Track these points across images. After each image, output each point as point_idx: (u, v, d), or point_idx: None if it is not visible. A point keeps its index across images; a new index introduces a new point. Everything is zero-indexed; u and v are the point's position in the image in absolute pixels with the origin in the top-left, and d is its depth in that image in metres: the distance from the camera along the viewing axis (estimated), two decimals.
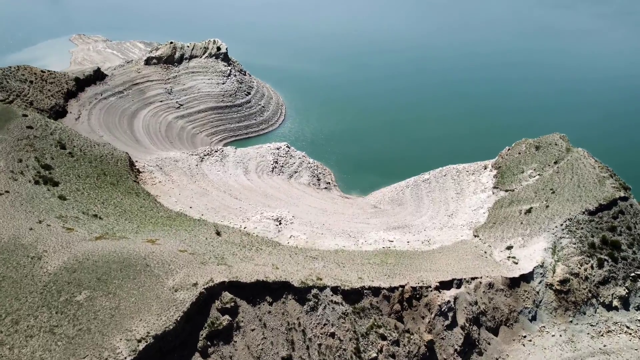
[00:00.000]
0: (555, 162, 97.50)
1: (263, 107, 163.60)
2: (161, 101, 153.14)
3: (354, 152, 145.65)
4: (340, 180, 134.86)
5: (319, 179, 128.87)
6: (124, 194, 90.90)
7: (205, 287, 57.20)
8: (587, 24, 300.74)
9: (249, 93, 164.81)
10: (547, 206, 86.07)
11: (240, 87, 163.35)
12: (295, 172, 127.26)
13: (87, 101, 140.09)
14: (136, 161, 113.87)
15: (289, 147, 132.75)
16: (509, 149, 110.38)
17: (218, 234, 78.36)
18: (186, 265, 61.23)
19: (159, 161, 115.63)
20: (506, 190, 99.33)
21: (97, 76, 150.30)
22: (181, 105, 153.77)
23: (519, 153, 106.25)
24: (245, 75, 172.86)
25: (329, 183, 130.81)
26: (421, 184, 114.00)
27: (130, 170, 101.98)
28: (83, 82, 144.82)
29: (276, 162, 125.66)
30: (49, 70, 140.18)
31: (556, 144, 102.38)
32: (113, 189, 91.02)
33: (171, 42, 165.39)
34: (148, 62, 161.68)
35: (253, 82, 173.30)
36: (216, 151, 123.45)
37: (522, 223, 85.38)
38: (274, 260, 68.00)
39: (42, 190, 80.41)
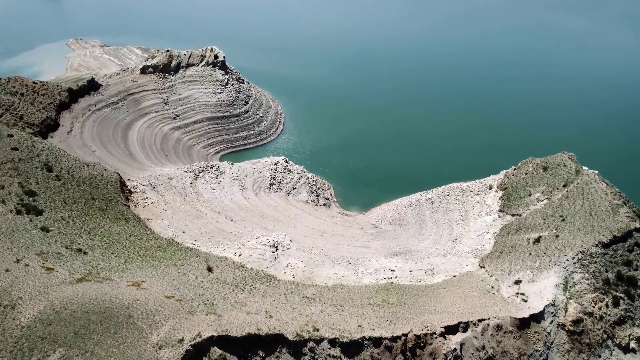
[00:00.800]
0: (564, 185, 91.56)
1: (261, 117, 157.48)
2: (157, 112, 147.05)
3: (354, 165, 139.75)
4: (340, 196, 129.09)
5: (317, 195, 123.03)
6: (113, 221, 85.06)
7: (192, 343, 51.61)
8: (590, 27, 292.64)
9: (247, 102, 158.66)
10: (557, 236, 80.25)
11: (238, 97, 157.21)
12: (294, 188, 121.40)
13: (80, 113, 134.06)
14: (128, 179, 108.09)
15: (287, 162, 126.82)
16: (515, 169, 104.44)
17: (209, 269, 72.62)
18: (172, 316, 55.54)
19: (152, 179, 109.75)
20: (513, 215, 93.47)
21: (91, 86, 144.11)
22: (177, 115, 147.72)
23: (526, 174, 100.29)
24: (243, 83, 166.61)
25: (328, 199, 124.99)
26: (424, 204, 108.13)
27: (121, 192, 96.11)
28: (76, 93, 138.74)
29: (274, 179, 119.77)
30: (41, 82, 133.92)
31: (565, 165, 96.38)
32: (101, 216, 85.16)
33: (167, 50, 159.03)
34: (144, 71, 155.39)
35: (251, 90, 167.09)
36: (212, 167, 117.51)
37: (530, 254, 79.55)
38: (267, 304, 62.27)
39: (24, 221, 74.59)
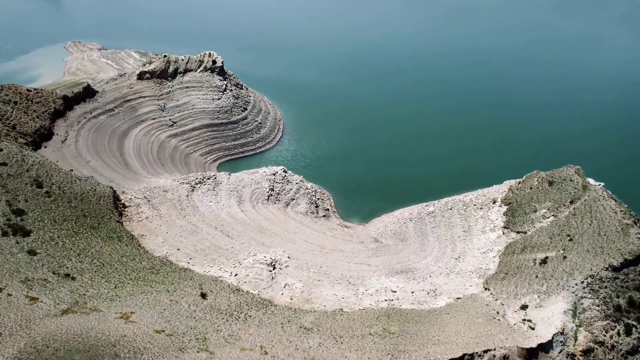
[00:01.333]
0: (571, 202, 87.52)
1: (260, 123, 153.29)
2: (154, 119, 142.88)
3: (355, 173, 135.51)
4: (340, 206, 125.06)
5: (317, 206, 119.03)
6: (104, 240, 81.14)
7: None
8: (593, 30, 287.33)
9: (245, 109, 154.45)
10: (565, 257, 76.29)
11: (236, 103, 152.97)
12: (292, 199, 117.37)
13: (75, 121, 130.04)
14: (122, 192, 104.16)
15: (286, 172, 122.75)
16: (519, 182, 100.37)
17: (203, 295, 68.72)
18: (162, 354, 51.65)
19: (147, 191, 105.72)
20: (518, 232, 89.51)
21: (87, 93, 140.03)
22: (174, 122, 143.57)
23: (531, 188, 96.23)
24: (241, 89, 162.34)
25: (328, 210, 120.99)
26: (425, 218, 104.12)
27: (114, 207, 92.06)
28: (72, 100, 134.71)
29: (272, 190, 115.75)
30: (35, 89, 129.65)
31: (571, 180, 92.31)
32: (93, 235, 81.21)
33: (165, 56, 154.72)
34: (141, 76, 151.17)
35: (250, 96, 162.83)
36: (209, 178, 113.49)
37: (537, 276, 75.60)
38: (263, 337, 58.37)
39: (10, 243, 70.69)
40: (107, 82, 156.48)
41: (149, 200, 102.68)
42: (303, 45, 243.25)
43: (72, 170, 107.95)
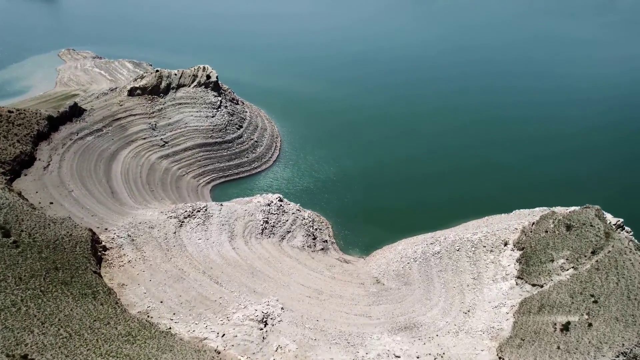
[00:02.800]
0: (593, 253, 76.47)
1: (256, 142, 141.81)
2: (144, 138, 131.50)
3: (354, 199, 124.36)
4: (339, 236, 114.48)
5: (314, 238, 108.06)
6: (77, 299, 70.21)
7: None
8: (596, 35, 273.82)
9: (241, 126, 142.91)
10: (590, 324, 65.45)
11: (231, 120, 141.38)
12: (288, 231, 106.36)
13: (60, 143, 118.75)
14: (105, 229, 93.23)
15: (281, 201, 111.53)
16: (533, 224, 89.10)
17: None
18: None
19: (132, 228, 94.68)
20: (533, 285, 78.56)
21: (74, 112, 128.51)
22: (166, 142, 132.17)
23: (546, 231, 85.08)
24: (237, 104, 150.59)
25: (326, 241, 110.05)
26: (431, 259, 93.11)
27: (93, 254, 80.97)
28: (57, 121, 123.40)
29: (267, 222, 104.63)
30: (17, 110, 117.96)
31: (592, 225, 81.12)
32: (63, 293, 70.27)
33: (157, 71, 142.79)
34: (132, 92, 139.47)
35: (246, 111, 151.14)
36: (199, 210, 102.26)
37: (559, 347, 64.80)
38: None
39: None
40: (97, 97, 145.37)
41: (133, 240, 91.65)
42: (301, 55, 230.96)
43: (51, 203, 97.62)
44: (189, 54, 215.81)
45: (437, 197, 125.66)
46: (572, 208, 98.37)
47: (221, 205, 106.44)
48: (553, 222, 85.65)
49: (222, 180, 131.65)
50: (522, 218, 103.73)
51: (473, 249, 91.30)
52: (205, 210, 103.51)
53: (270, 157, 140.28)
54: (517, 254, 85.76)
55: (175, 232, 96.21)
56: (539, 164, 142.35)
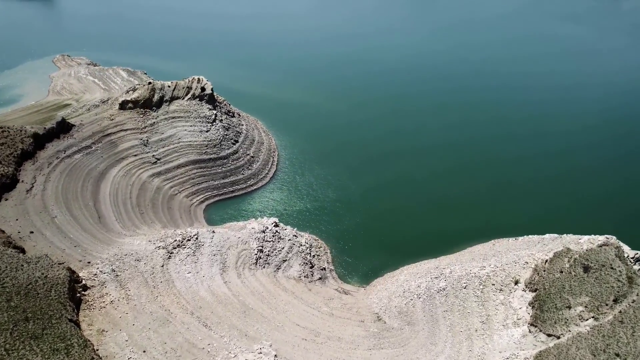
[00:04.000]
0: (615, 301, 67.83)
1: (252, 157, 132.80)
2: (135, 155, 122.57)
3: (354, 221, 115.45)
4: (337, 261, 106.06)
5: (312, 266, 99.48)
6: (46, 357, 61.57)
7: None
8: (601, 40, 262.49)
9: (237, 140, 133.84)
10: None
11: (226, 135, 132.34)
12: (284, 260, 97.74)
13: (45, 162, 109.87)
14: (88, 263, 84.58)
15: (277, 226, 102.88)
16: (546, 262, 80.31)
17: None
18: None
19: (117, 261, 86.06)
20: (549, 335, 69.93)
21: (62, 128, 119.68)
22: (158, 159, 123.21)
23: (561, 272, 76.36)
24: (233, 116, 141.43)
25: (324, 269, 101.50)
26: (436, 296, 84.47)
27: (70, 298, 72.27)
28: (43, 138, 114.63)
29: (261, 251, 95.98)
30: (0, 128, 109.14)
31: (612, 267, 72.43)
32: (32, 350, 61.69)
33: (149, 83, 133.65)
34: (123, 106, 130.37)
35: (242, 124, 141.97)
36: (189, 239, 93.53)
37: None
38: None
39: None
40: (88, 109, 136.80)
41: (117, 275, 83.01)
42: (302, 61, 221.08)
43: (31, 233, 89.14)
44: (186, 59, 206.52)
45: (440, 219, 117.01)
46: (586, 238, 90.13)
47: (213, 232, 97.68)
48: (568, 262, 76.92)
49: (217, 199, 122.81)
50: (532, 247, 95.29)
51: (481, 286, 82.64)
52: (196, 238, 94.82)
53: (267, 174, 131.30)
54: (530, 295, 77.13)
55: (163, 265, 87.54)
56: (546, 181, 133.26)
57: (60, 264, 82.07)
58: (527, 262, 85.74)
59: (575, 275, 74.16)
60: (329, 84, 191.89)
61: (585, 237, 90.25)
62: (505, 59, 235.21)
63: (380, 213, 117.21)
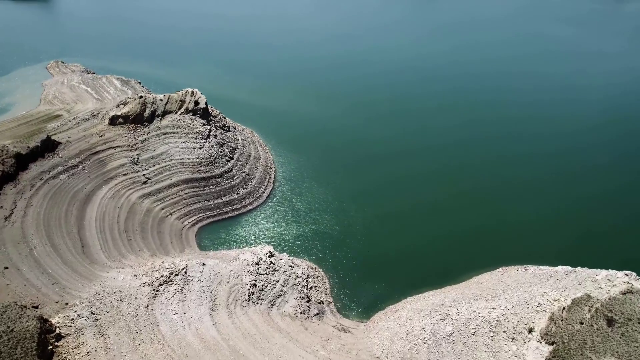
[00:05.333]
0: None
1: (247, 175, 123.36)
2: (125, 174, 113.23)
3: (354, 247, 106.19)
4: (336, 292, 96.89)
5: (309, 300, 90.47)
6: None
7: None
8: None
9: (232, 157, 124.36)
10: None
11: (221, 152, 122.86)
12: (279, 295, 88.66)
13: (28, 185, 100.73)
14: (65, 304, 75.56)
15: (272, 256, 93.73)
16: (564, 310, 71.15)
17: None
18: None
19: (98, 301, 77.08)
20: None
21: (47, 146, 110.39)
22: (149, 179, 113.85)
23: (581, 323, 67.26)
24: (228, 131, 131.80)
25: (322, 302, 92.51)
26: (442, 342, 75.45)
27: (40, 353, 63.25)
28: (27, 158, 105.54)
29: (254, 286, 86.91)
30: None
31: (639, 321, 63.18)
32: None
33: (141, 97, 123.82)
34: (113, 121, 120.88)
35: (237, 139, 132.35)
36: (177, 274, 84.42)
37: None
38: None
39: None
40: (78, 123, 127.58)
41: (96, 319, 74.03)
42: (302, 68, 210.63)
43: (6, 269, 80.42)
44: (182, 64, 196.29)
45: (444, 241, 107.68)
46: (603, 274, 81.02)
47: (203, 264, 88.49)
48: (589, 311, 67.78)
49: (210, 220, 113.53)
50: (544, 282, 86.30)
51: (491, 333, 73.59)
52: (185, 272, 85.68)
53: (263, 193, 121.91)
54: (546, 349, 68.04)
55: (147, 306, 78.50)
56: (556, 202, 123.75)
57: (34, 307, 73.55)
58: (540, 304, 76.64)
59: (598, 329, 65.05)
60: (329, 89, 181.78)
61: (603, 273, 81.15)
62: (506, 62, 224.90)
63: (382, 236, 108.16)
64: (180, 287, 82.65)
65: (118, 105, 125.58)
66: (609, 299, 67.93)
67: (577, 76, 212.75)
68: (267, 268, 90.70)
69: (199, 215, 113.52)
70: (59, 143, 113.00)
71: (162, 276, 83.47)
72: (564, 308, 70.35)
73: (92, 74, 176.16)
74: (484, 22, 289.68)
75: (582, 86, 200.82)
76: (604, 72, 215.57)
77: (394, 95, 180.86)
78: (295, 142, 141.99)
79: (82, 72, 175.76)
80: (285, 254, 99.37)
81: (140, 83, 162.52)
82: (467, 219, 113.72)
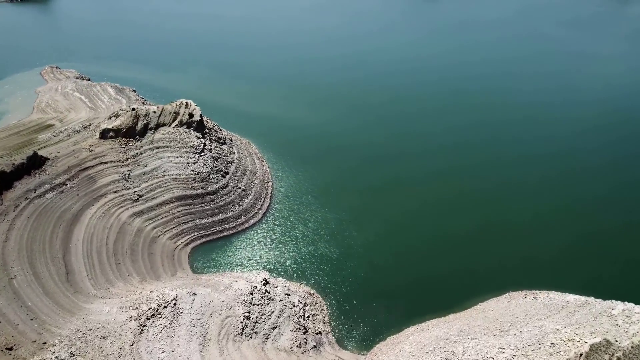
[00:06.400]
0: None
1: (244, 190, 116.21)
2: (115, 192, 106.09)
3: (354, 271, 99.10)
4: (334, 320, 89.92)
5: (306, 331, 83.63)
6: None
7: None
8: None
9: (227, 172, 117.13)
10: None
11: (215, 166, 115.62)
12: (274, 327, 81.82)
13: (12, 205, 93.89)
14: (44, 343, 68.82)
15: (267, 283, 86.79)
16: (581, 356, 64.08)
17: None
18: None
19: (79, 339, 70.33)
20: None
21: (33, 163, 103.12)
22: (140, 196, 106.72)
23: None
24: (224, 143, 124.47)
25: (320, 332, 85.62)
26: None
27: None
28: (11, 176, 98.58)
29: (248, 318, 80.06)
30: None
31: None
32: None
33: (133, 109, 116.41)
34: (104, 135, 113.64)
35: (233, 152, 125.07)
36: (165, 306, 77.52)
37: None
38: None
39: None
40: (69, 135, 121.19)
41: None
42: (302, 69, 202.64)
43: None
44: (180, 70, 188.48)
45: (448, 261, 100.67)
46: (620, 307, 74.20)
47: (194, 294, 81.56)
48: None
49: (204, 240, 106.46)
50: (555, 315, 79.36)
51: None
52: (175, 304, 78.78)
53: (260, 209, 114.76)
54: None
55: (133, 344, 71.60)
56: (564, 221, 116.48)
57: (8, 349, 66.66)
58: (553, 345, 69.59)
59: None
60: (327, 93, 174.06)
61: (619, 307, 74.26)
62: (506, 63, 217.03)
63: (383, 258, 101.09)
64: (169, 321, 75.74)
65: (110, 118, 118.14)
66: (632, 347, 60.86)
67: (579, 78, 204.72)
68: (262, 298, 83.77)
69: (193, 235, 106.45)
70: (47, 159, 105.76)
71: (150, 309, 76.55)
72: (581, 354, 63.25)
73: (87, 80, 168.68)
74: (484, 24, 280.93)
75: (584, 88, 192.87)
76: (605, 75, 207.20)
77: (395, 97, 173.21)
78: (294, 153, 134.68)
79: (77, 78, 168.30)
80: (281, 278, 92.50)
81: (135, 91, 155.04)
82: (472, 239, 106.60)
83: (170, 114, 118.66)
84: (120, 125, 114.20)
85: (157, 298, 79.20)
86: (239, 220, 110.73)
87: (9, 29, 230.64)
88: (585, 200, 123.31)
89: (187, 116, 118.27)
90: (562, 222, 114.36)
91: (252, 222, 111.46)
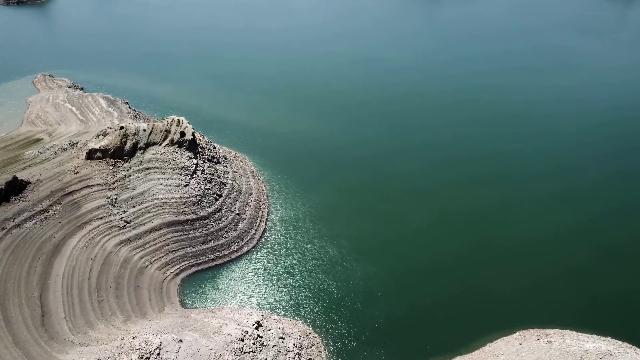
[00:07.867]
0: None
1: (237, 214, 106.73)
2: (101, 218, 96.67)
3: (353, 307, 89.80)
4: (333, 355, 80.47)
5: None
6: None
7: None
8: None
9: (220, 195, 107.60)
10: None
11: (208, 189, 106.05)
12: None
13: None
14: None
15: (260, 326, 77.55)
16: None
17: None
18: None
19: None
20: None
21: (13, 188, 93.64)
22: (127, 222, 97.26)
23: None
24: (217, 163, 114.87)
25: None
26: None
27: None
28: None
29: None
30: None
31: None
32: None
33: (122, 128, 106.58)
34: (90, 155, 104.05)
35: (227, 172, 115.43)
36: (148, 357, 68.24)
37: None
38: None
39: None
40: (55, 153, 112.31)
41: None
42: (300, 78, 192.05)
43: None
44: (174, 80, 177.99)
45: (453, 302, 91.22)
46: None
47: (180, 342, 72.30)
48: None
49: (195, 269, 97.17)
50: None
51: None
52: (158, 354, 69.51)
53: (254, 235, 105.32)
54: None
55: None
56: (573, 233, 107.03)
57: None
58: None
59: None
60: (325, 104, 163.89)
61: None
62: (506, 63, 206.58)
63: (384, 292, 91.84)
64: None
65: (97, 136, 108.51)
66: None
67: (586, 86, 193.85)
68: (254, 344, 74.57)
69: (183, 264, 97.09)
70: (28, 183, 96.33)
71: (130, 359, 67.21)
72: None
73: (80, 89, 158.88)
74: (483, 24, 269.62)
75: (590, 98, 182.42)
76: (613, 82, 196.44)
77: (398, 110, 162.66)
78: (292, 169, 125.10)
79: (70, 87, 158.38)
80: (275, 316, 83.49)
81: (127, 103, 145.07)
82: (477, 265, 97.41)
83: (160, 132, 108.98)
84: (107, 145, 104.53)
85: (139, 347, 69.98)
86: (232, 247, 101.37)
87: (3, 34, 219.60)
88: (598, 215, 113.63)
89: (178, 135, 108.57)
90: (573, 242, 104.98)
91: (246, 249, 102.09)
